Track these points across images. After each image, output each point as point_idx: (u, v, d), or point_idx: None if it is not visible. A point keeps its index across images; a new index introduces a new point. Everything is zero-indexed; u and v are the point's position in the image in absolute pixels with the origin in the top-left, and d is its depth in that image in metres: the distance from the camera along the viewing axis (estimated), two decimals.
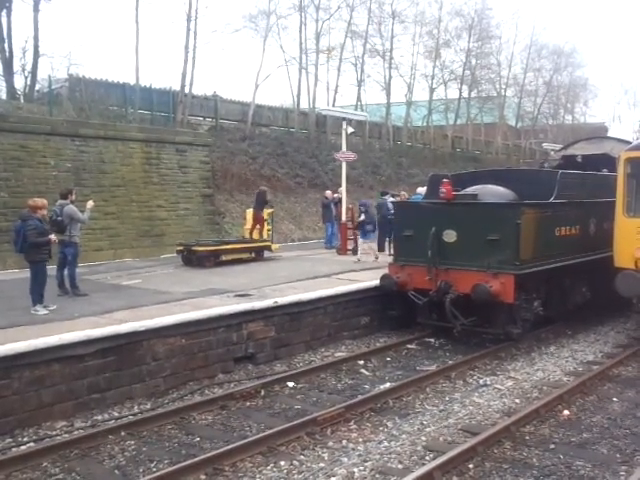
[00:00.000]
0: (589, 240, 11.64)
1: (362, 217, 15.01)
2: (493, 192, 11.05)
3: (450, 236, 10.45)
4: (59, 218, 10.63)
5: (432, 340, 11.10)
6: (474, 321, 10.34)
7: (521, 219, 9.87)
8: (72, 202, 10.85)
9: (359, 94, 34.50)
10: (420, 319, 11.13)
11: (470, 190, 11.14)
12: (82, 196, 16.25)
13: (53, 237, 9.53)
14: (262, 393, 8.34)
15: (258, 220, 16.81)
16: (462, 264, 10.26)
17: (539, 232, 10.35)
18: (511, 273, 9.83)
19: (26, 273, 11.96)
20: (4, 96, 21.14)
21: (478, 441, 6.60)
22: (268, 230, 17.15)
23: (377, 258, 14.52)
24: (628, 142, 14.13)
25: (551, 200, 10.63)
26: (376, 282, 11.42)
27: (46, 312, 9.17)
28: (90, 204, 11.00)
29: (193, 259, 14.56)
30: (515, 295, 9.83)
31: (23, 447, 6.74)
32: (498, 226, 9.99)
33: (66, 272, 10.59)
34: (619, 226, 10.54)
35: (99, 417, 7.62)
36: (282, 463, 6.31)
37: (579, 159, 14.74)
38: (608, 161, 13.56)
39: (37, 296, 9.36)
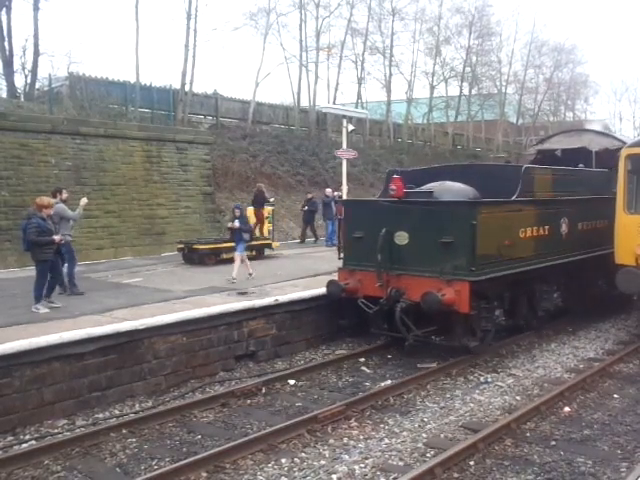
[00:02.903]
0: (561, 242, 10.78)
1: (236, 223, 12.29)
2: (452, 189, 10.05)
3: (402, 238, 9.46)
4: None
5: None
6: (432, 331, 9.48)
7: (477, 219, 8.85)
8: (63, 201, 10.88)
9: (359, 92, 34.53)
10: (373, 329, 10.09)
11: (427, 187, 10.14)
12: (83, 194, 16.30)
13: (57, 237, 9.42)
14: (263, 391, 8.35)
15: (258, 218, 16.81)
16: (415, 269, 9.27)
17: (499, 233, 9.40)
18: (466, 280, 8.83)
19: (26, 272, 12.02)
20: (4, 95, 21.16)
21: (479, 438, 6.60)
22: (269, 228, 17.16)
23: (251, 274, 12.27)
24: (608, 135, 13.65)
25: (513, 198, 9.67)
26: None
27: (47, 310, 9.18)
28: (83, 201, 11.01)
29: (194, 257, 14.57)
30: (471, 304, 8.86)
31: (25, 445, 6.74)
32: (452, 227, 9.01)
33: (65, 270, 10.59)
34: (620, 223, 10.53)
35: (100, 415, 7.63)
36: (283, 461, 6.31)
37: (557, 153, 13.91)
38: (585, 155, 12.94)
39: (38, 294, 9.37)
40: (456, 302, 8.79)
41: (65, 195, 11.12)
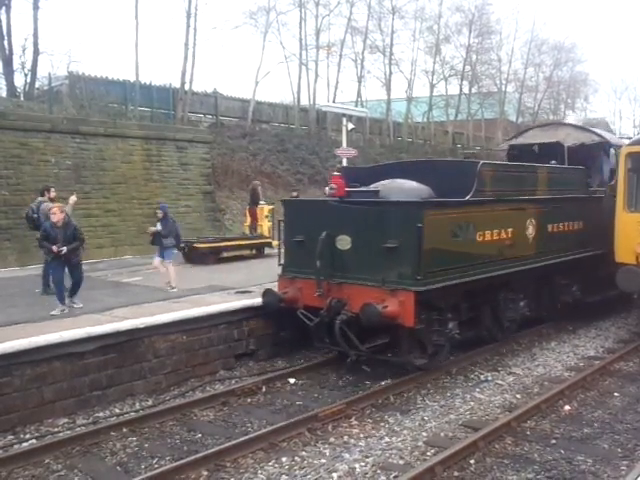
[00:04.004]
0: (528, 245, 9.87)
1: (158, 227, 10.89)
2: (402, 188, 9.10)
3: (344, 242, 8.49)
4: (35, 215, 10.71)
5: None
6: (381, 346, 8.74)
7: (424, 222, 7.86)
8: (51, 200, 10.87)
9: (359, 90, 34.50)
10: (316, 343, 9.17)
11: (374, 186, 9.29)
12: (83, 193, 16.30)
13: (55, 248, 8.98)
14: (263, 389, 8.35)
15: (252, 216, 16.80)
16: (357, 277, 8.34)
17: (451, 238, 8.43)
18: (411, 290, 7.85)
19: (26, 271, 12.04)
20: (4, 94, 21.13)
21: (479, 436, 6.60)
22: (269, 226, 17.15)
23: (173, 288, 10.84)
24: (587, 129, 13.13)
25: (468, 198, 8.63)
26: None
27: (57, 312, 9.09)
28: (72, 199, 10.98)
29: (194, 256, 14.56)
30: (418, 317, 7.95)
31: (25, 444, 6.74)
32: (396, 231, 8.07)
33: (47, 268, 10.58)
34: (620, 221, 10.53)
35: (100, 414, 7.63)
36: (284, 459, 6.31)
37: (534, 148, 13.00)
38: (558, 151, 12.12)
39: (57, 296, 9.32)
40: (400, 315, 7.86)
41: (53, 194, 11.10)
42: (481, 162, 9.23)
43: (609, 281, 11.53)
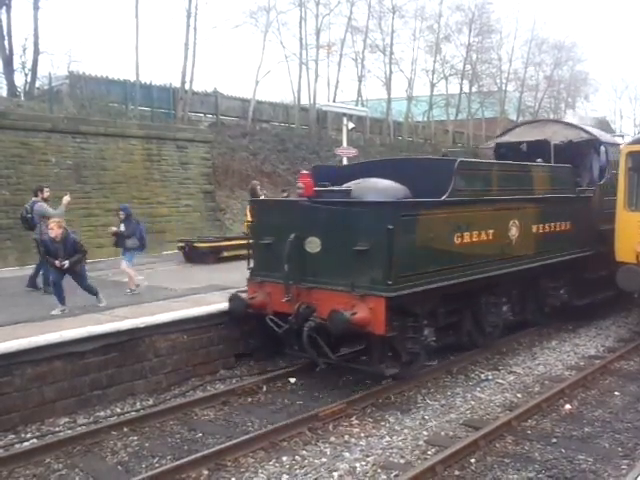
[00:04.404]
0: (511, 247, 9.39)
1: (122, 228, 10.69)
2: (376, 188, 8.62)
3: (314, 245, 8.03)
4: (28, 215, 10.75)
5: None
6: (354, 353, 8.45)
7: (395, 224, 7.40)
8: (45, 199, 10.89)
9: (359, 89, 34.48)
10: (287, 350, 8.84)
11: (347, 185, 8.83)
12: (83, 193, 16.35)
13: (57, 263, 8.97)
14: (264, 389, 8.35)
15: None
16: (327, 282, 7.90)
17: (426, 240, 7.91)
18: (382, 295, 7.38)
19: (26, 271, 12.04)
20: (4, 94, 21.14)
21: (480, 435, 6.61)
22: None
23: (136, 286, 10.68)
24: (576, 126, 12.55)
25: (444, 198, 8.15)
26: None
27: (57, 312, 9.11)
28: (66, 199, 10.97)
29: (194, 255, 14.57)
30: (389, 324, 7.50)
31: (26, 443, 6.75)
32: (366, 233, 7.58)
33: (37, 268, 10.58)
34: (620, 220, 10.54)
35: (101, 413, 7.63)
36: (284, 458, 6.32)
37: (522, 147, 12.42)
38: (545, 149, 11.65)
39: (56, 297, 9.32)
40: (370, 322, 7.40)
41: (47, 194, 11.12)
42: (458, 160, 8.64)
43: (599, 283, 11.51)
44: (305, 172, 8.85)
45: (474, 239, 8.63)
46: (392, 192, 8.51)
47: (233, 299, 8.79)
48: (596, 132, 12.49)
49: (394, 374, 8.09)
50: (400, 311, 7.77)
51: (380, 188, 8.63)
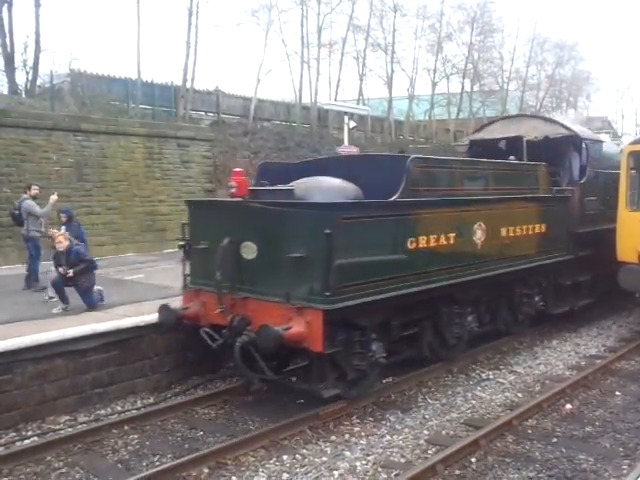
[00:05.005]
0: (476, 252, 8.65)
1: (62, 231, 10.13)
2: (322, 187, 7.79)
3: (249, 251, 7.24)
4: (16, 212, 10.82)
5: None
6: (295, 370, 7.69)
7: (334, 227, 6.58)
8: (33, 197, 10.92)
9: (361, 88, 34.43)
10: (224, 367, 8.33)
11: (292, 184, 7.97)
12: (84, 191, 16.35)
13: (61, 270, 8.97)
14: (265, 387, 8.33)
15: None
16: (263, 292, 7.13)
17: (373, 245, 7.15)
18: (319, 308, 6.63)
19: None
20: (6, 91, 21.12)
21: (481, 435, 6.61)
22: None
23: (51, 298, 9.68)
24: (555, 122, 11.86)
25: (394, 198, 7.37)
26: None
27: (57, 311, 9.11)
28: (53, 198, 11.00)
29: None
30: (327, 339, 6.73)
31: (27, 441, 6.75)
32: (302, 238, 6.82)
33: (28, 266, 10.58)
34: (622, 220, 10.54)
35: (102, 411, 7.63)
36: (285, 457, 6.32)
37: (492, 143, 11.80)
38: (519, 145, 10.95)
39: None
40: (306, 337, 6.65)
41: (34, 191, 11.15)
42: (411, 157, 7.83)
43: (579, 290, 11.17)
44: (238, 169, 8.05)
45: (432, 244, 7.85)
46: (341, 192, 7.68)
47: (162, 310, 7.87)
48: (576, 128, 11.80)
49: (337, 394, 7.24)
50: (345, 324, 7.06)
51: (327, 188, 7.76)
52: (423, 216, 7.79)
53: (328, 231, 6.55)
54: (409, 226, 7.61)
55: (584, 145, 11.30)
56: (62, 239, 9.25)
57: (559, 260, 10.52)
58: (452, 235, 8.16)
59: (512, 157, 10.55)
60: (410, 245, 7.57)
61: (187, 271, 8.18)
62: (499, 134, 11.85)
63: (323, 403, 7.24)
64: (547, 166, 10.47)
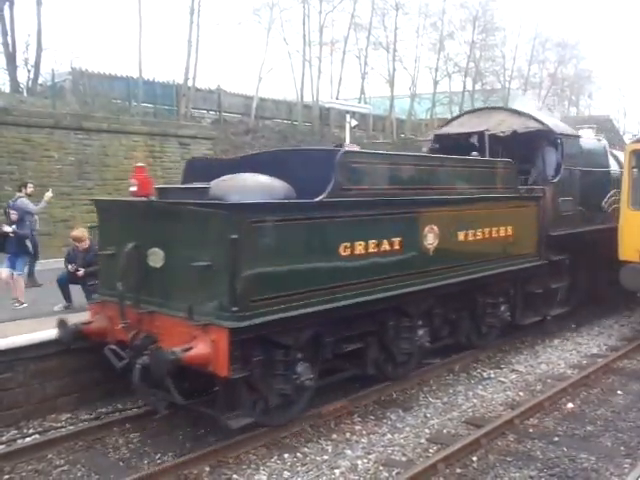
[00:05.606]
0: (427, 259, 7.66)
1: (7, 228, 9.64)
2: (246, 185, 6.70)
3: (156, 258, 6.32)
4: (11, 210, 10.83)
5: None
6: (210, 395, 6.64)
7: (241, 232, 5.70)
8: (28, 195, 10.94)
9: (363, 87, 34.46)
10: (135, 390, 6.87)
11: (213, 182, 6.83)
12: (86, 189, 16.36)
13: (70, 267, 9.01)
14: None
15: None
16: (171, 306, 6.22)
17: (294, 252, 6.19)
18: (224, 326, 5.72)
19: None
20: (7, 90, 21.15)
21: (482, 434, 6.60)
22: None
23: (22, 303, 9.27)
24: (525, 114, 10.90)
25: (321, 198, 6.38)
26: None
27: (59, 309, 9.11)
28: (47, 195, 11.00)
29: None
30: (236, 361, 5.84)
31: (28, 439, 6.75)
32: (208, 244, 5.93)
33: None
34: (624, 219, 10.53)
35: (103, 410, 7.62)
36: (286, 455, 6.31)
37: (457, 138, 10.92)
38: (482, 140, 10.19)
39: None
40: (211, 360, 5.74)
41: (30, 189, 11.16)
42: (342, 151, 6.89)
43: (551, 298, 10.43)
44: (140, 164, 7.21)
45: (370, 250, 6.85)
46: (269, 192, 6.62)
47: (61, 324, 6.94)
48: (550, 121, 10.86)
49: (241, 426, 6.20)
50: (264, 343, 6.18)
51: (252, 187, 6.66)
52: (359, 218, 6.82)
53: (234, 236, 5.65)
54: (341, 230, 6.62)
55: (558, 140, 10.42)
56: (85, 237, 9.25)
57: (528, 266, 9.59)
58: (397, 240, 7.20)
59: (475, 153, 9.88)
60: (343, 251, 6.60)
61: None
62: (467, 128, 10.93)
63: (231, 434, 6.34)
64: (513, 163, 9.38)
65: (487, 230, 8.70)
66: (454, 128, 11.32)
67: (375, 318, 7.41)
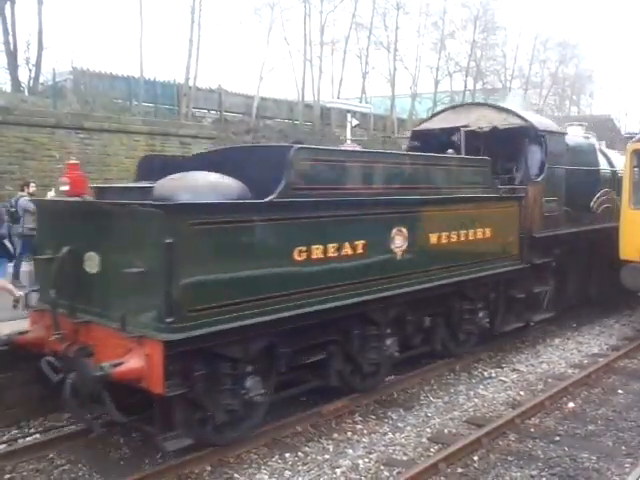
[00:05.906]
0: (395, 263, 7.19)
1: None
2: (197, 185, 6.07)
3: (92, 264, 5.85)
4: (12, 209, 10.85)
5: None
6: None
7: (178, 236, 5.19)
8: (30, 194, 10.97)
9: (363, 86, 34.50)
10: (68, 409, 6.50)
11: (160, 182, 6.25)
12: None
13: None
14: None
15: None
16: (107, 315, 5.71)
17: (239, 257, 5.66)
18: (158, 339, 5.22)
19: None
20: (8, 89, 21.17)
21: (483, 433, 6.59)
22: None
23: (17, 303, 7.68)
24: (506, 110, 10.53)
25: (271, 198, 5.93)
26: None
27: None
28: (50, 195, 11.03)
29: None
30: (175, 377, 5.35)
31: (29, 438, 6.74)
32: (142, 249, 5.44)
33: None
34: (625, 218, 10.54)
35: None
36: (287, 455, 6.31)
37: (436, 135, 10.57)
38: (460, 137, 9.93)
39: None
40: (145, 376, 5.26)
41: (32, 189, 11.19)
42: (295, 147, 6.37)
43: (535, 303, 10.12)
44: (73, 161, 6.81)
45: (329, 254, 6.37)
46: (221, 191, 6.05)
47: None
48: (533, 118, 10.45)
49: (180, 448, 5.66)
50: (210, 355, 5.70)
51: (202, 186, 6.08)
52: (315, 220, 6.33)
53: (169, 240, 5.13)
54: (294, 233, 6.13)
55: (542, 137, 9.93)
56: None
57: (508, 270, 9.14)
58: (360, 243, 6.70)
59: (450, 151, 9.51)
60: (298, 256, 6.10)
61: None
62: (443, 124, 10.55)
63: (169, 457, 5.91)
64: (492, 161, 8.96)
65: (462, 232, 8.22)
66: (433, 124, 10.87)
67: (338, 327, 6.92)
